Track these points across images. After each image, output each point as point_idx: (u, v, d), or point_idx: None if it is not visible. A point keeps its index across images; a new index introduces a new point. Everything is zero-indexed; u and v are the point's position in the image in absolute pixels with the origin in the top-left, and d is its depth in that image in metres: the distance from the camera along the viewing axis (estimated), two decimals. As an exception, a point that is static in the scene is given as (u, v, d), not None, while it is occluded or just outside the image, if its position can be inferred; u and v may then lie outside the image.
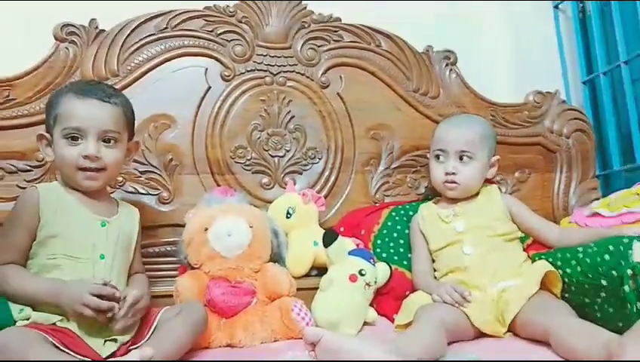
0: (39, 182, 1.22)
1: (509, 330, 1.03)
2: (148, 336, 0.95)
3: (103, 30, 1.39)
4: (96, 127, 1.02)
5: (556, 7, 1.82)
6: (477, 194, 1.31)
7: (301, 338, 1.05)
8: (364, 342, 0.90)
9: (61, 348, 0.85)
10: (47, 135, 1.06)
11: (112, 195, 1.21)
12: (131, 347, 0.94)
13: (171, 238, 1.33)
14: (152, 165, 1.37)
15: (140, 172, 1.36)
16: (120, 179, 1.34)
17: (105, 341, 0.94)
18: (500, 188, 1.38)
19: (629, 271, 0.92)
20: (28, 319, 0.92)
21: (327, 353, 0.85)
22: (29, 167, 1.28)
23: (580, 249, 1.06)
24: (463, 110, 1.57)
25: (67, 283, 0.94)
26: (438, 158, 1.30)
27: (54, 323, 0.92)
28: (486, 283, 1.13)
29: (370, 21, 1.57)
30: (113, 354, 0.93)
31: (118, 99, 1.08)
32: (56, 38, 1.35)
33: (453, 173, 1.26)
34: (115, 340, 0.95)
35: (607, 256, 0.96)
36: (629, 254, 0.93)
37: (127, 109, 1.10)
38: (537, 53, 1.78)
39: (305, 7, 1.52)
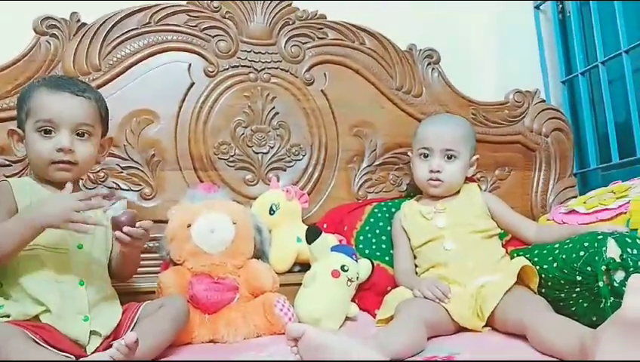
0: (19, 178, 1.20)
1: (487, 325, 1.05)
2: (128, 331, 0.94)
3: (85, 24, 1.37)
4: (69, 120, 1.00)
5: (537, 7, 1.85)
6: (458, 191, 1.33)
7: (284, 334, 1.05)
8: (346, 337, 0.91)
9: (42, 344, 0.84)
10: (19, 130, 1.04)
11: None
12: (112, 342, 0.94)
13: (154, 234, 1.30)
14: (134, 161, 1.36)
15: (122, 167, 1.35)
16: (102, 174, 1.33)
17: (90, 333, 0.93)
18: (480, 186, 1.40)
19: (603, 267, 0.94)
20: (8, 316, 0.91)
21: (310, 348, 0.86)
22: (8, 162, 1.27)
23: (557, 245, 1.08)
24: (445, 108, 1.59)
25: (42, 203, 0.93)
26: (425, 157, 1.31)
27: (37, 316, 0.91)
28: (465, 278, 1.15)
29: (355, 19, 1.57)
30: (97, 350, 0.93)
31: (91, 93, 1.07)
32: (36, 32, 1.33)
33: (438, 171, 1.28)
34: (99, 334, 0.94)
35: (582, 252, 0.99)
36: (603, 250, 0.96)
37: (100, 104, 1.08)
38: (518, 52, 1.80)
39: (290, 4, 1.52)
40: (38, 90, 1.02)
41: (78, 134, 1.02)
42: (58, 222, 0.90)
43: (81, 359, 0.87)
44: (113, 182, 1.34)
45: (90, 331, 0.94)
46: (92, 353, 0.93)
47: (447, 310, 1.05)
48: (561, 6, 1.81)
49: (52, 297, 0.92)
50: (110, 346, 0.90)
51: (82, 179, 1.23)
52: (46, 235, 0.95)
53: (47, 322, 0.91)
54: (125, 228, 0.97)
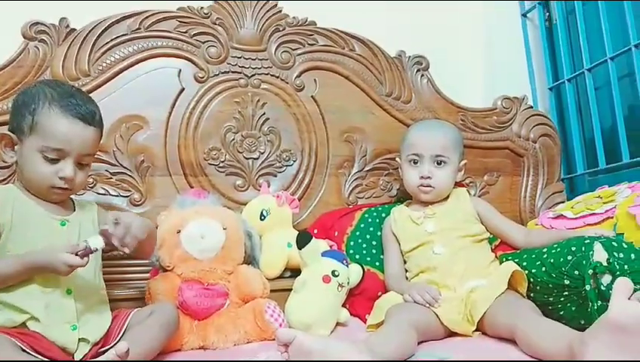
0: (7, 184, 1.19)
1: (477, 329, 1.06)
2: (118, 338, 0.94)
3: (74, 29, 1.37)
4: (77, 151, 0.99)
5: (524, 15, 1.88)
6: (447, 196, 1.34)
7: (274, 340, 1.05)
8: (336, 343, 0.91)
9: (29, 351, 0.83)
10: (13, 136, 0.99)
11: (80, 196, 1.19)
12: (101, 349, 0.93)
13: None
14: (123, 166, 1.36)
15: (111, 173, 1.35)
16: (90, 180, 1.32)
17: (78, 341, 0.92)
18: (469, 191, 1.41)
19: (590, 271, 0.95)
20: None
21: (300, 354, 0.86)
22: (-7, 168, 1.25)
23: (545, 250, 1.09)
24: (435, 115, 1.60)
25: (38, 251, 0.93)
26: (415, 163, 1.32)
27: (24, 323, 0.90)
28: (455, 282, 1.16)
29: (345, 25, 1.58)
30: (86, 356, 0.92)
31: (98, 118, 1.04)
32: (25, 37, 1.32)
33: (429, 178, 1.29)
34: (88, 341, 0.94)
35: (569, 257, 1.00)
36: (590, 254, 0.97)
37: (102, 130, 1.07)
38: (506, 60, 1.83)
39: (280, 10, 1.53)
40: (50, 109, 0.97)
41: (79, 163, 1.01)
42: (50, 271, 0.92)
43: None
44: (102, 188, 1.33)
45: (79, 338, 0.93)
46: (81, 360, 0.92)
47: (437, 314, 1.06)
48: (547, 14, 1.84)
49: (37, 307, 0.91)
50: (98, 354, 0.90)
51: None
52: (30, 248, 0.94)
53: (35, 329, 0.90)
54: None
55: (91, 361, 0.87)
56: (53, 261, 0.90)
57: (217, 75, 1.46)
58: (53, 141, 0.96)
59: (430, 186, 1.29)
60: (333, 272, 1.18)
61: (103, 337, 0.97)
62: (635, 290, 0.85)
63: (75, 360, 0.92)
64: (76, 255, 0.91)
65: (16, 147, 1.00)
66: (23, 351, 0.83)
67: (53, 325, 0.91)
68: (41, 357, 0.84)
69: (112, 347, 0.91)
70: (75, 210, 1.05)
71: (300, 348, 0.86)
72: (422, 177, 1.29)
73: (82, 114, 1.00)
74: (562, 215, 1.32)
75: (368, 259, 1.34)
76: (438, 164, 1.30)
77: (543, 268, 1.06)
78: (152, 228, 1.07)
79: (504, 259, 1.22)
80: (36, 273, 0.92)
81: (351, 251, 1.35)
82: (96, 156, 1.31)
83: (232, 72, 1.47)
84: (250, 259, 1.25)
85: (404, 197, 1.46)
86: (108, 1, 1.42)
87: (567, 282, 1.00)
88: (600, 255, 0.96)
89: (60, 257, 0.90)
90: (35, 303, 0.92)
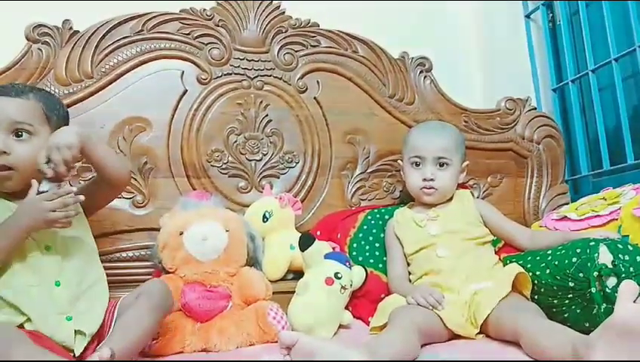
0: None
1: (481, 332, 1.05)
2: (111, 328, 0.92)
3: (77, 31, 1.37)
4: (3, 121, 0.96)
5: (527, 16, 1.87)
6: (450, 198, 1.33)
7: (277, 342, 1.05)
8: (339, 345, 0.91)
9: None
10: None
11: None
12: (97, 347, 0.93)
13: (146, 242, 1.31)
14: (126, 168, 1.36)
15: (114, 175, 1.34)
16: (93, 182, 1.32)
17: (75, 334, 0.92)
18: (472, 193, 1.41)
19: (596, 273, 0.95)
20: None
21: (303, 356, 0.86)
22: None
23: (549, 251, 1.09)
24: (438, 116, 1.59)
25: (18, 214, 0.93)
26: (417, 165, 1.32)
27: (22, 325, 0.90)
28: (459, 285, 1.15)
29: (347, 27, 1.58)
30: (85, 349, 0.92)
31: (31, 94, 1.02)
32: (28, 39, 1.33)
33: (432, 179, 1.29)
34: (84, 334, 0.93)
35: (574, 259, 0.99)
36: (595, 257, 0.96)
37: (45, 104, 1.03)
38: (509, 61, 1.82)
39: (283, 12, 1.53)
40: None
41: (16, 135, 0.98)
42: (41, 226, 0.91)
43: None
44: (105, 190, 1.33)
45: (75, 330, 0.92)
46: (80, 354, 0.91)
47: (440, 317, 1.05)
48: (551, 15, 1.83)
49: (29, 303, 0.91)
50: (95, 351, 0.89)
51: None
52: None
53: (32, 329, 0.90)
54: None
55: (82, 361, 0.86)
56: (35, 215, 0.90)
57: (220, 76, 1.46)
58: None
59: (433, 188, 1.29)
60: (335, 274, 1.17)
61: (99, 330, 0.96)
62: (640, 293, 0.84)
63: (75, 356, 0.92)
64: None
65: None
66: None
67: (47, 319, 0.91)
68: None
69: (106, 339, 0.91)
70: None
71: (303, 351, 0.85)
72: (424, 179, 1.29)
73: (5, 92, 1.00)
74: (566, 216, 1.31)
75: (371, 261, 1.33)
76: (440, 165, 1.29)
77: (548, 271, 1.05)
78: (88, 136, 1.00)
79: (508, 261, 1.21)
80: (23, 237, 0.92)
81: (354, 253, 1.35)
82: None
83: (235, 74, 1.47)
84: (252, 261, 1.25)
85: (407, 199, 1.45)
86: (111, 1, 1.43)
87: (571, 284, 0.99)
88: (605, 257, 0.96)
89: (39, 207, 0.90)
90: (27, 301, 0.91)
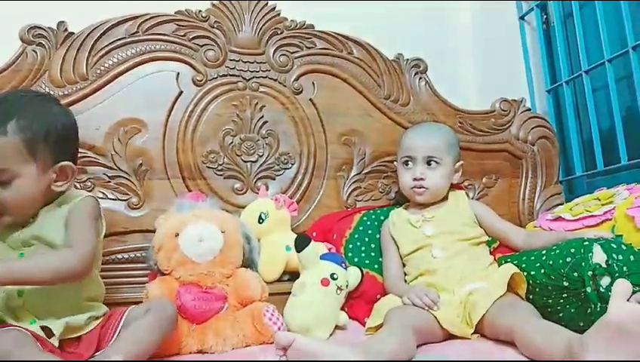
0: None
1: (476, 332, 1.05)
2: (114, 337, 0.93)
3: (72, 33, 1.37)
4: None
5: (521, 18, 1.88)
6: (445, 199, 1.34)
7: (273, 343, 1.05)
8: (335, 346, 0.91)
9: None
10: None
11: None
12: (96, 353, 0.93)
13: (141, 244, 1.31)
14: (121, 170, 1.35)
15: (109, 177, 1.34)
16: (89, 184, 1.31)
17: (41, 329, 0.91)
18: (467, 194, 1.41)
19: (590, 273, 0.95)
20: None
21: (299, 357, 0.86)
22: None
23: (544, 251, 1.09)
24: (433, 117, 1.60)
25: None
26: (407, 165, 1.33)
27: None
28: (454, 285, 1.15)
29: (343, 29, 1.58)
30: (79, 340, 0.92)
31: (10, 125, 0.90)
32: (22, 41, 1.32)
33: (422, 179, 1.30)
34: (53, 333, 0.91)
35: (568, 258, 1.00)
36: (589, 256, 0.97)
37: (26, 136, 0.91)
38: (504, 62, 1.83)
39: (278, 14, 1.53)
40: None
41: None
42: None
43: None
44: (100, 192, 1.32)
45: (41, 326, 0.90)
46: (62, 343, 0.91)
47: (435, 317, 1.05)
48: (545, 16, 1.84)
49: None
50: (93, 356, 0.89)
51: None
52: None
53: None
54: None
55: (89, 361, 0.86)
56: None
57: (215, 78, 1.46)
58: None
59: (423, 187, 1.30)
60: (331, 275, 1.17)
61: (90, 338, 0.95)
62: (634, 292, 0.85)
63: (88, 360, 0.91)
64: None
65: None
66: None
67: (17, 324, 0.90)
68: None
69: (108, 347, 0.91)
70: (57, 203, 1.00)
71: (299, 351, 0.85)
72: (414, 179, 1.30)
73: None
74: (561, 217, 1.32)
75: (367, 261, 1.34)
76: (429, 164, 1.30)
77: (542, 270, 1.06)
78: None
79: (503, 262, 1.22)
80: None
81: (350, 254, 1.35)
82: (94, 160, 1.32)
83: (231, 75, 1.47)
84: (248, 263, 1.24)
85: (402, 200, 1.46)
86: (106, 3, 1.42)
87: (566, 284, 1.00)
88: (599, 256, 0.96)
89: None
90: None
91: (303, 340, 0.87)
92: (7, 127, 0.90)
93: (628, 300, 0.80)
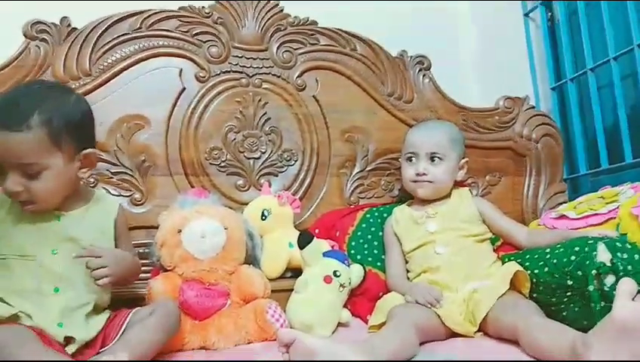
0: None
1: (479, 330, 1.05)
2: (117, 337, 0.93)
3: (75, 28, 1.36)
4: (11, 162, 0.90)
5: (526, 15, 1.87)
6: (449, 196, 1.33)
7: (275, 340, 1.05)
8: (337, 344, 0.90)
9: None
10: None
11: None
12: (100, 350, 0.93)
13: (144, 240, 1.31)
14: (124, 166, 1.35)
15: (112, 173, 1.34)
16: (92, 180, 1.31)
17: (64, 339, 0.92)
18: (471, 191, 1.41)
19: (594, 271, 0.95)
20: None
21: (301, 355, 0.86)
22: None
23: (548, 250, 1.09)
24: (436, 114, 1.59)
25: None
26: (410, 160, 1.33)
27: (16, 315, 0.89)
28: (457, 283, 1.15)
29: (346, 25, 1.58)
30: (73, 356, 0.91)
31: (33, 119, 0.90)
32: (26, 36, 1.32)
33: (424, 173, 1.29)
34: (73, 339, 0.92)
35: (573, 257, 0.99)
36: (593, 255, 0.96)
37: (51, 127, 0.92)
38: (508, 59, 1.82)
39: (281, 10, 1.53)
40: None
41: (28, 174, 0.92)
42: None
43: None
44: (103, 188, 1.32)
45: (65, 336, 0.91)
46: (73, 354, 0.91)
47: (439, 315, 1.05)
48: (550, 14, 1.83)
49: (26, 305, 0.91)
50: (98, 353, 0.90)
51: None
52: (14, 243, 0.94)
53: (30, 324, 0.89)
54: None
55: (92, 361, 0.86)
56: None
57: (219, 74, 1.46)
58: None
59: (426, 181, 1.29)
60: (334, 272, 1.17)
61: (99, 337, 0.96)
62: (639, 291, 0.84)
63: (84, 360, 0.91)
64: None
65: None
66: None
67: (41, 322, 0.90)
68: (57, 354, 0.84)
69: (110, 346, 0.91)
70: (82, 207, 1.03)
71: (301, 349, 0.85)
72: (417, 173, 1.30)
73: (4, 120, 0.89)
74: (565, 215, 1.31)
75: (370, 259, 1.33)
76: (432, 160, 1.30)
77: (546, 269, 1.05)
78: (133, 263, 1.06)
79: (506, 260, 1.21)
80: None
81: (352, 251, 1.35)
82: (97, 156, 1.31)
83: (234, 72, 1.47)
84: (251, 259, 1.24)
85: (405, 197, 1.45)
86: (109, 0, 1.42)
87: (570, 282, 1.00)
88: (603, 255, 0.96)
89: None
90: (24, 301, 0.91)
91: (305, 338, 0.86)
92: (30, 122, 0.91)
93: (632, 299, 0.80)
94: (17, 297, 0.91)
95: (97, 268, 0.94)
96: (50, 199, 0.96)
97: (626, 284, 0.82)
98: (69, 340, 0.92)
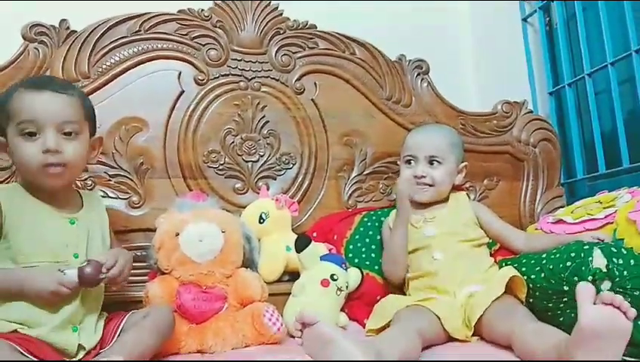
0: (7, 184, 1.18)
1: (476, 334, 1.05)
2: (113, 341, 0.93)
3: (75, 31, 1.37)
4: (53, 119, 0.95)
5: (524, 20, 1.88)
6: (446, 200, 1.34)
7: (272, 344, 1.05)
8: (350, 341, 0.88)
9: (26, 354, 0.83)
10: (1, 138, 0.98)
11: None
12: (100, 350, 0.94)
13: (142, 243, 1.31)
14: (122, 169, 1.35)
15: (110, 175, 1.34)
16: (89, 182, 1.32)
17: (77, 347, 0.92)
18: (468, 195, 1.41)
19: (590, 277, 0.95)
20: None
21: (315, 340, 0.86)
22: (-6, 170, 1.25)
23: (544, 255, 1.09)
24: (435, 118, 1.60)
25: (32, 273, 0.92)
26: (409, 163, 1.33)
27: (15, 331, 0.89)
28: (455, 288, 1.15)
29: (345, 29, 1.58)
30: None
31: (74, 90, 1.03)
32: (24, 38, 1.32)
33: (423, 176, 1.30)
34: (84, 348, 0.93)
35: (568, 263, 0.99)
36: (589, 261, 0.96)
37: (85, 102, 1.04)
38: (506, 64, 1.83)
39: (281, 14, 1.53)
40: (17, 91, 0.97)
41: (64, 133, 0.97)
42: (43, 297, 0.91)
43: None
44: (101, 190, 1.32)
45: (78, 344, 0.93)
46: (79, 360, 0.92)
47: (440, 320, 1.05)
48: (548, 18, 1.84)
49: (39, 312, 0.91)
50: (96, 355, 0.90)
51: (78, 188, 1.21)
52: (39, 249, 0.94)
53: (27, 334, 0.89)
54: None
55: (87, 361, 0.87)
56: (42, 287, 0.89)
57: (217, 77, 1.46)
58: (24, 114, 0.95)
59: (427, 184, 1.29)
60: (332, 276, 1.17)
61: (98, 344, 0.97)
62: (628, 296, 0.86)
63: (70, 360, 0.92)
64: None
65: (8, 148, 0.99)
66: (21, 354, 0.83)
67: (57, 326, 0.91)
68: (32, 358, 0.84)
69: (107, 349, 0.91)
70: (82, 207, 1.05)
71: (314, 334, 0.86)
72: (416, 177, 1.30)
73: (49, 85, 0.99)
74: (562, 220, 1.32)
75: (367, 263, 1.34)
76: (431, 164, 1.30)
77: (542, 274, 1.05)
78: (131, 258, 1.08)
79: (504, 264, 1.21)
80: (20, 292, 0.90)
81: (350, 255, 1.35)
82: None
83: (232, 75, 1.47)
84: (248, 263, 1.24)
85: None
86: (108, 1, 1.42)
87: (566, 288, 1.00)
88: (599, 261, 0.96)
89: (49, 286, 0.89)
90: (36, 310, 0.91)
91: (326, 327, 0.89)
92: (73, 91, 1.03)
93: (594, 303, 0.81)
94: (29, 307, 0.91)
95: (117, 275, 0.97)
96: (75, 166, 1.01)
97: (584, 288, 0.84)
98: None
